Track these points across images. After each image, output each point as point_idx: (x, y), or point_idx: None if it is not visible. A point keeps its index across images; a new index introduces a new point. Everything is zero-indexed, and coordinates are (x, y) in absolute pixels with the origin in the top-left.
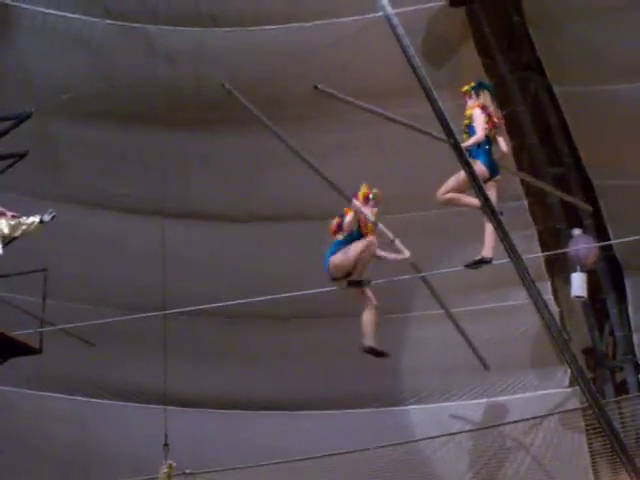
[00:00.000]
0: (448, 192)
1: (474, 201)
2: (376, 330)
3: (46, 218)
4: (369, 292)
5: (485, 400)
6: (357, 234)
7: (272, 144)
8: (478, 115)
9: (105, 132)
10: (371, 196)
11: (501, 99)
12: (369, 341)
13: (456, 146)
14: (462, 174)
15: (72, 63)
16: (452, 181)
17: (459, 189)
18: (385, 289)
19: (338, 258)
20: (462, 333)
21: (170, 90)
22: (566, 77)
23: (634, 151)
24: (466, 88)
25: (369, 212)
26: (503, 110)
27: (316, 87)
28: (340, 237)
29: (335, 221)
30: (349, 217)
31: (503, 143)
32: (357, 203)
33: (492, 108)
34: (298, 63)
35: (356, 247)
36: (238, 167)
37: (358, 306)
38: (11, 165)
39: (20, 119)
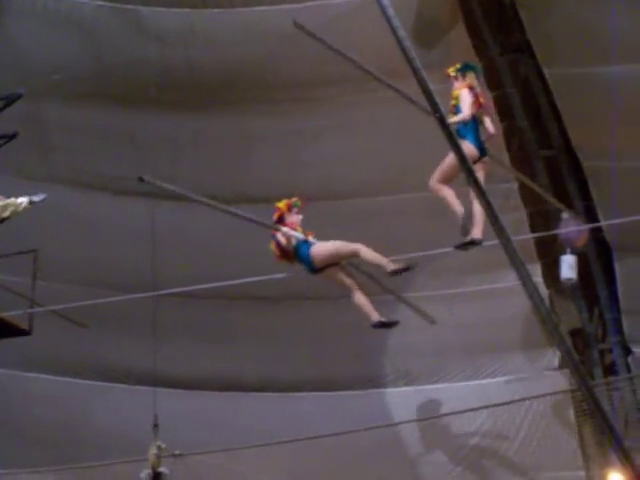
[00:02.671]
0: (441, 181)
1: (458, 209)
2: (370, 304)
3: (36, 199)
4: (345, 275)
5: (475, 382)
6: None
7: (262, 125)
8: (465, 95)
9: (96, 113)
10: (293, 204)
11: (491, 81)
12: (374, 317)
13: (442, 120)
14: (452, 158)
15: (62, 44)
16: (444, 167)
17: (451, 173)
18: (376, 271)
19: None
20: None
21: (161, 71)
22: (556, 59)
23: (624, 133)
24: (452, 70)
25: (287, 229)
26: (493, 92)
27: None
28: (293, 245)
29: (273, 247)
30: (281, 237)
31: (490, 124)
32: (283, 228)
33: (479, 89)
34: (289, 45)
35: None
36: (228, 148)
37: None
38: (1, 146)
39: (10, 100)
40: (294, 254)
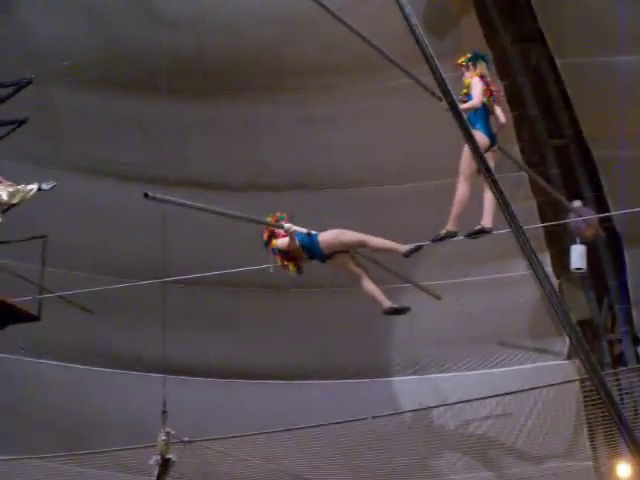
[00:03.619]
0: (464, 179)
1: (453, 217)
2: (381, 291)
3: (45, 186)
4: (354, 264)
5: (483, 371)
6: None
7: (271, 113)
8: (476, 83)
9: (105, 99)
10: (279, 218)
11: (502, 70)
12: (385, 304)
13: (453, 106)
14: (465, 151)
15: (72, 30)
16: (462, 163)
17: (469, 166)
18: (382, 259)
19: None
20: None
21: (171, 58)
22: (567, 48)
23: (635, 123)
24: (462, 59)
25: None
26: (504, 81)
27: None
28: (297, 243)
29: (278, 259)
30: (284, 241)
31: (501, 113)
32: (285, 225)
33: (489, 78)
34: (299, 32)
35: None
36: (237, 135)
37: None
38: (11, 132)
39: (20, 86)
40: (301, 251)
